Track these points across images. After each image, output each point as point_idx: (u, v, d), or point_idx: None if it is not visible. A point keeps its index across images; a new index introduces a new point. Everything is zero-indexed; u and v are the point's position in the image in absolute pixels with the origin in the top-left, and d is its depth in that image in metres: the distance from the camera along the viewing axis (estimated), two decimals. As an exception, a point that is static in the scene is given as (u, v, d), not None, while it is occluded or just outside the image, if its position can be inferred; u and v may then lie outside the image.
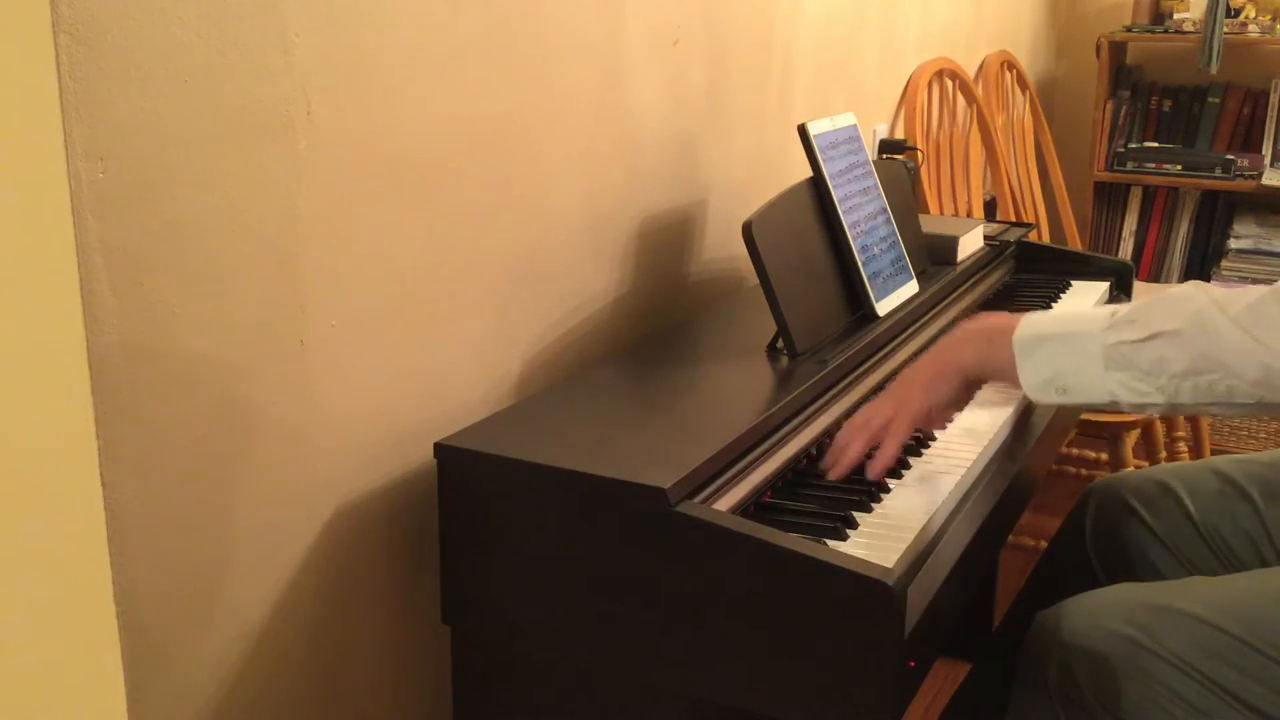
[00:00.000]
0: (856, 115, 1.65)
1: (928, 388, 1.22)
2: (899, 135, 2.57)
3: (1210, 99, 3.60)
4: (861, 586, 0.97)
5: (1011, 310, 1.82)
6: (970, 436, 1.34)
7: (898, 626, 0.97)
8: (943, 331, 1.69)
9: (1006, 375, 1.17)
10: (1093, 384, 1.11)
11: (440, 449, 1.16)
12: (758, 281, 1.37)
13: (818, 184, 1.51)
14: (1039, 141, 3.31)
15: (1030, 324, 1.16)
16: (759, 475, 1.18)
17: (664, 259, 1.71)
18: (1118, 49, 3.66)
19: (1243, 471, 1.43)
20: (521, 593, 1.14)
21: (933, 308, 1.69)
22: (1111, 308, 1.14)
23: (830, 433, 1.31)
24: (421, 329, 1.25)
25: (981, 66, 3.11)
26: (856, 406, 1.38)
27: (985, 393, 1.46)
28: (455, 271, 1.29)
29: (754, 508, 1.15)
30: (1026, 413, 1.44)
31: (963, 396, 1.25)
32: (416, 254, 1.23)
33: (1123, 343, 1.09)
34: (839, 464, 1.22)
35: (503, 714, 1.22)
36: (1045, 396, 1.15)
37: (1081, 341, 1.11)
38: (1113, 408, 1.13)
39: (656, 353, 1.46)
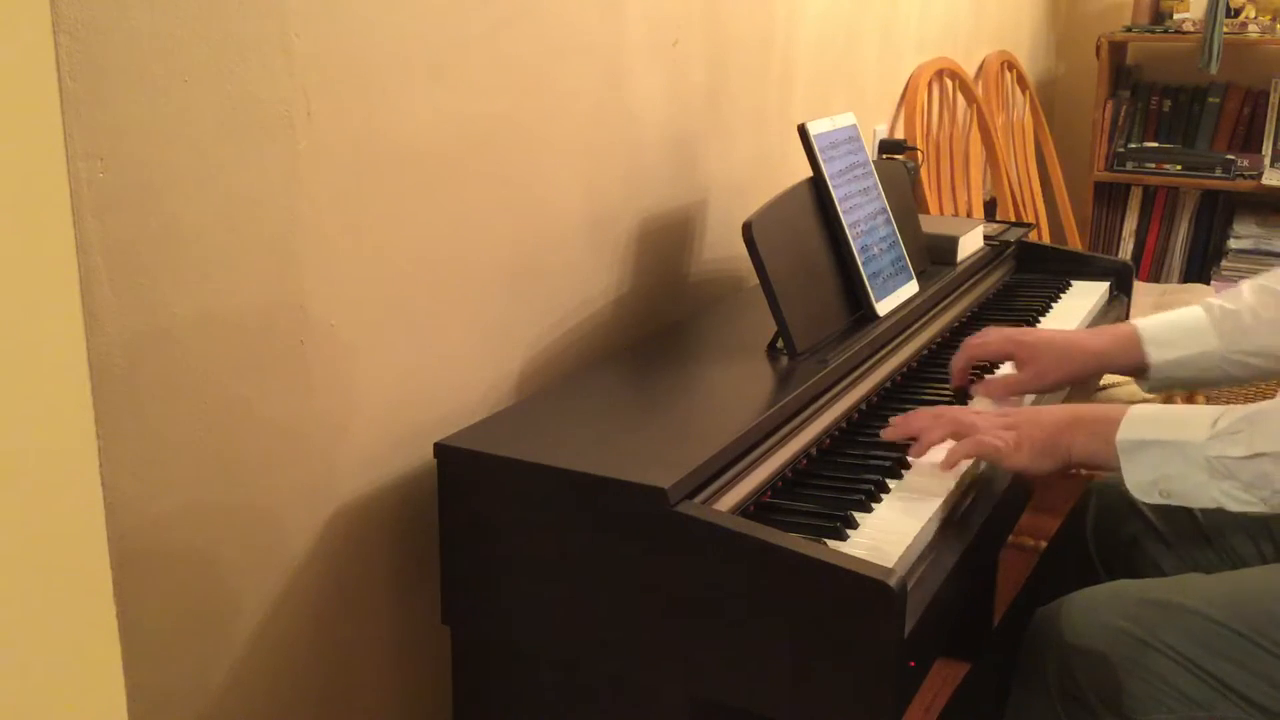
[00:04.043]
0: (856, 115, 1.65)
1: (1035, 457, 1.22)
2: (899, 135, 2.57)
3: (1210, 99, 3.61)
4: (861, 586, 0.97)
5: (1012, 312, 1.82)
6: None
7: (898, 626, 0.97)
8: (942, 331, 1.69)
9: (1112, 469, 1.19)
10: (1197, 491, 1.14)
11: (440, 449, 1.16)
12: (758, 281, 1.37)
13: (818, 184, 1.51)
14: (1039, 141, 3.31)
15: (1133, 425, 1.17)
16: (759, 475, 1.18)
17: (664, 259, 1.71)
18: (1118, 49, 3.66)
19: None
20: (521, 593, 1.14)
21: (933, 308, 1.69)
22: (1213, 412, 1.15)
23: (830, 433, 1.31)
24: (421, 329, 1.25)
25: (981, 66, 3.11)
26: (857, 407, 1.38)
27: (981, 400, 1.46)
28: (455, 271, 1.29)
29: (754, 508, 1.15)
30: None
31: (1059, 472, 1.26)
32: (416, 254, 1.23)
33: (1226, 457, 1.12)
34: (918, 446, 1.24)
35: (503, 714, 1.22)
36: (1149, 496, 1.17)
37: (1185, 450, 1.14)
38: (1218, 510, 1.15)
39: (656, 353, 1.46)
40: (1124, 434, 1.17)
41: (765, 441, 1.21)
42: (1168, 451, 1.15)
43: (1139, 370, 1.45)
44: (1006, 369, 1.50)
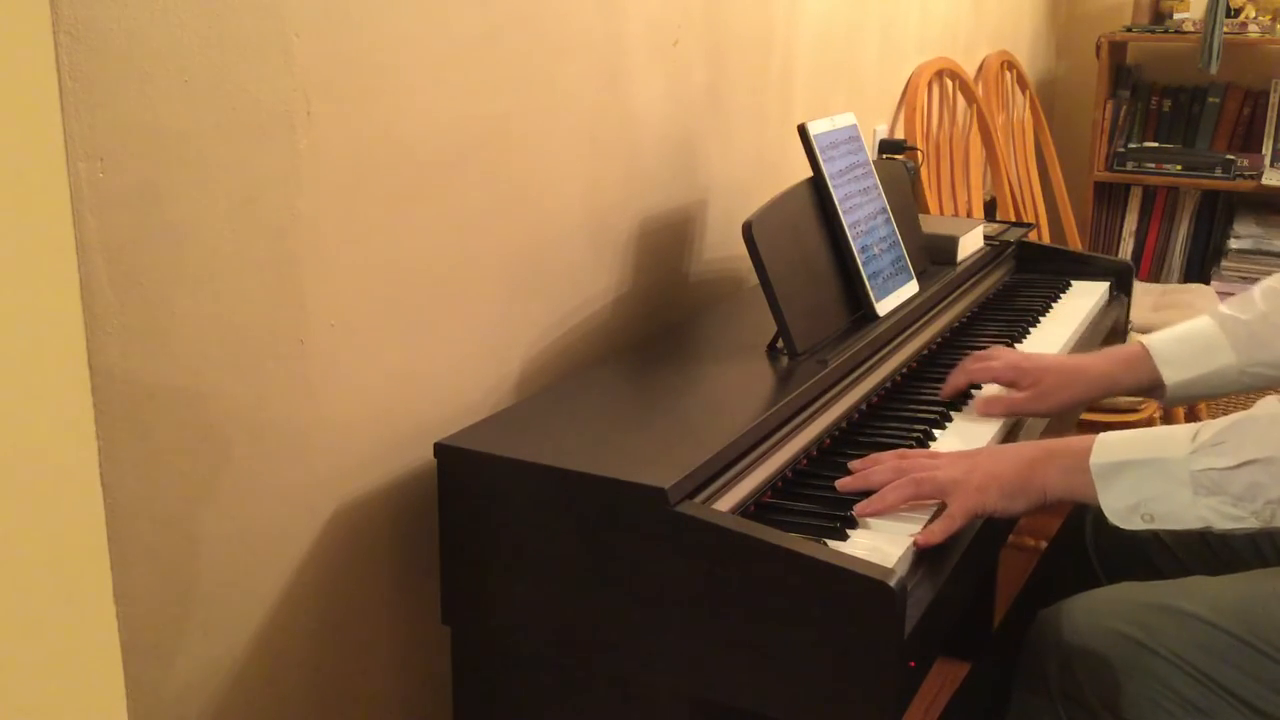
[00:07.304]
0: (856, 115, 1.65)
1: (1006, 496, 1.14)
2: (899, 135, 2.57)
3: (1210, 99, 3.61)
4: (861, 586, 0.97)
5: (1012, 311, 1.82)
6: (966, 442, 1.34)
7: (898, 626, 0.97)
8: (942, 331, 1.69)
9: (1091, 501, 1.13)
10: (1182, 511, 1.08)
11: (440, 449, 1.16)
12: (758, 281, 1.37)
13: (818, 184, 1.51)
14: (1039, 141, 3.31)
15: (1106, 448, 1.11)
16: (759, 475, 1.18)
17: (664, 259, 1.71)
18: (1118, 49, 3.66)
19: None
20: (521, 593, 1.14)
21: (933, 308, 1.69)
22: (1191, 427, 1.09)
23: (831, 433, 1.31)
24: (421, 329, 1.25)
25: (981, 66, 3.11)
26: (857, 407, 1.38)
27: (967, 423, 1.44)
28: (455, 271, 1.29)
29: (754, 508, 1.15)
30: (1018, 425, 1.43)
31: (1033, 512, 1.18)
32: (416, 254, 1.23)
33: (1212, 469, 1.06)
34: (873, 503, 1.14)
35: (503, 714, 1.22)
36: (1130, 523, 1.10)
37: (1165, 467, 1.08)
38: (1206, 532, 1.10)
39: (656, 353, 1.45)
40: (1097, 458, 1.11)
41: (765, 442, 1.21)
42: (1147, 470, 1.09)
43: (1151, 390, 1.41)
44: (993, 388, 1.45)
